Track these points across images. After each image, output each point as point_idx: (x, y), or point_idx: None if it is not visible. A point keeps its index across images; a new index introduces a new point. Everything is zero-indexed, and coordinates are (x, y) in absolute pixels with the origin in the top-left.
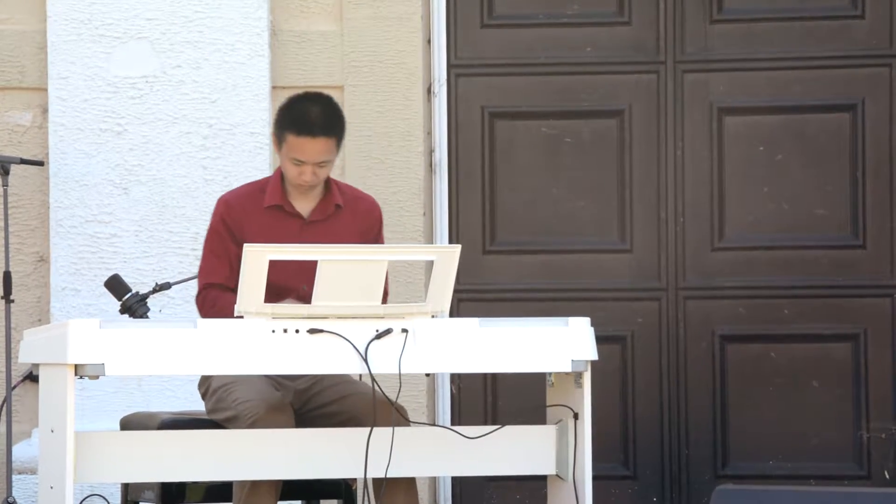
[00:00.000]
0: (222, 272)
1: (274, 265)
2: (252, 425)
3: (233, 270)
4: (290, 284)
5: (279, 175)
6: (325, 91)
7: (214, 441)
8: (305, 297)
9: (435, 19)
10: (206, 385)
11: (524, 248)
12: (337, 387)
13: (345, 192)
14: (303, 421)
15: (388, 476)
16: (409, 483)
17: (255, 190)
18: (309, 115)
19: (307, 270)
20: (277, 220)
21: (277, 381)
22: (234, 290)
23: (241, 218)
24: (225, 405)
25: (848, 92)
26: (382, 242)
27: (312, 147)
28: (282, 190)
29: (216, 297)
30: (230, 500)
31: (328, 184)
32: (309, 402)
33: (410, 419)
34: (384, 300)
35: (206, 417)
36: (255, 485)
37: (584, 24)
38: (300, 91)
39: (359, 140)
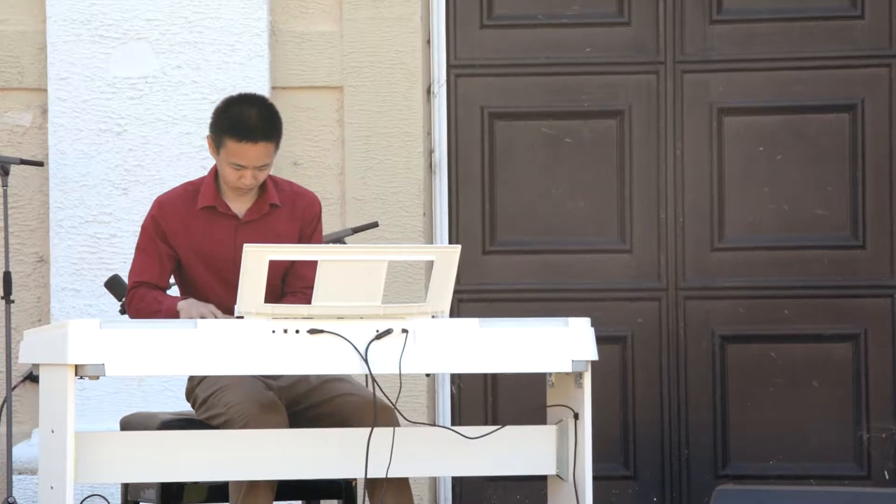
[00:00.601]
0: (152, 270)
1: (217, 266)
2: (245, 426)
3: (163, 270)
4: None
5: (213, 175)
6: (325, 92)
7: (214, 441)
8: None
9: (434, 20)
10: (194, 396)
11: (524, 248)
12: (325, 386)
13: (283, 190)
14: (292, 421)
15: (388, 476)
16: (402, 483)
17: (189, 190)
18: (248, 120)
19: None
20: (211, 221)
21: (265, 383)
22: (162, 289)
23: (173, 219)
24: (217, 411)
25: (848, 92)
26: (320, 238)
27: (253, 152)
28: (216, 190)
29: (143, 294)
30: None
31: (263, 183)
32: (298, 402)
33: (411, 419)
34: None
35: None
36: (252, 485)
37: (583, 24)
38: (234, 94)
39: (359, 140)
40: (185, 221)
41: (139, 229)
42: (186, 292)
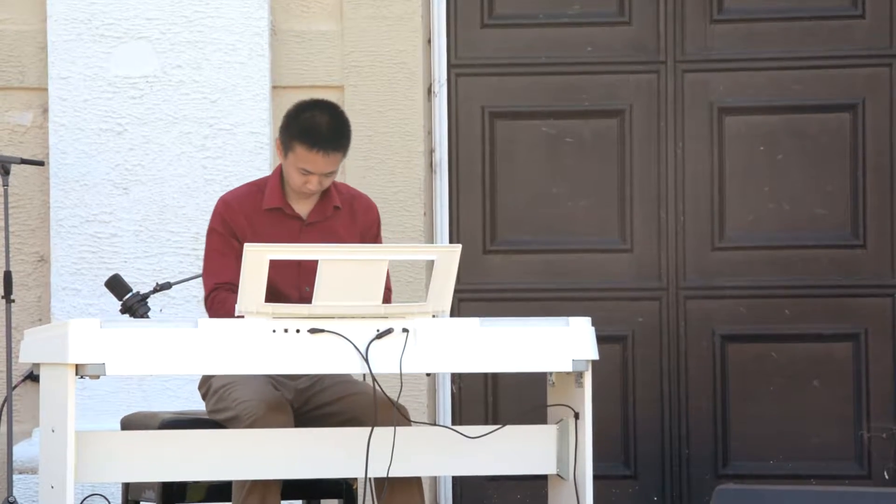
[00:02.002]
0: (229, 271)
1: (274, 267)
2: (251, 425)
3: (239, 267)
4: (291, 286)
5: (278, 176)
6: (326, 91)
7: (215, 441)
8: (307, 299)
9: (435, 19)
10: (207, 385)
11: (525, 247)
12: (336, 386)
13: (342, 193)
14: (303, 421)
15: (389, 476)
16: (416, 483)
17: (254, 191)
18: (319, 128)
19: (308, 272)
20: (277, 222)
21: (277, 381)
22: None
23: (240, 218)
24: (225, 405)
25: (848, 92)
26: (381, 241)
27: (322, 160)
28: (281, 192)
29: (225, 298)
30: (231, 500)
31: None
32: (309, 402)
33: (412, 419)
34: (388, 298)
35: (206, 417)
36: (255, 485)
37: (584, 23)
38: (308, 98)
39: (359, 140)
40: (252, 220)
41: (140, 229)
42: None
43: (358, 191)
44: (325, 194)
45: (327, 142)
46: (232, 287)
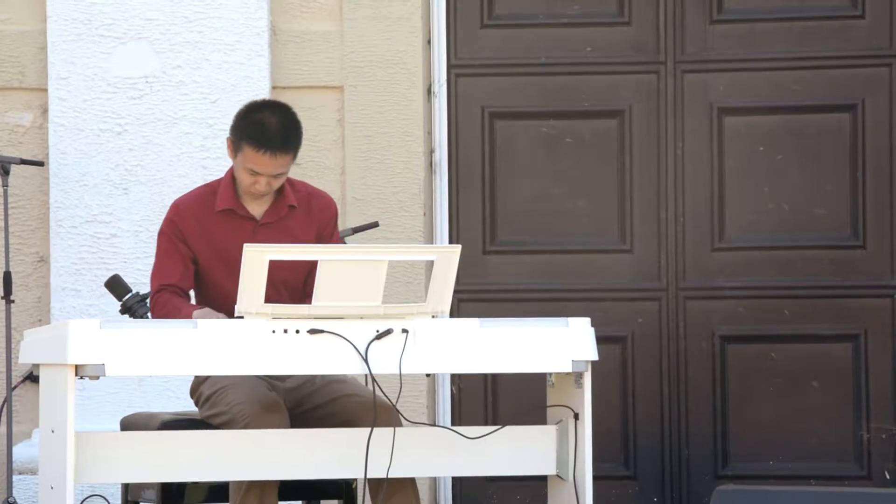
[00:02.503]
0: (175, 273)
1: (235, 268)
2: (246, 426)
3: (186, 271)
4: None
5: (230, 177)
6: (325, 91)
7: (215, 441)
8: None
9: (435, 19)
10: (199, 393)
11: (524, 248)
12: (329, 387)
13: (299, 191)
14: (297, 421)
15: (388, 476)
16: (410, 483)
17: (206, 193)
18: (268, 129)
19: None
20: (230, 223)
21: (269, 382)
22: (186, 293)
23: (190, 222)
24: (219, 409)
25: (848, 92)
26: (338, 239)
27: (270, 162)
28: (234, 193)
29: (168, 299)
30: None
31: (281, 185)
32: (301, 403)
33: (411, 419)
34: None
35: None
36: (252, 485)
37: (584, 24)
38: (257, 99)
39: (359, 140)
40: (203, 224)
41: (140, 229)
42: (203, 295)
43: (317, 189)
44: (280, 194)
45: (276, 143)
46: (177, 289)
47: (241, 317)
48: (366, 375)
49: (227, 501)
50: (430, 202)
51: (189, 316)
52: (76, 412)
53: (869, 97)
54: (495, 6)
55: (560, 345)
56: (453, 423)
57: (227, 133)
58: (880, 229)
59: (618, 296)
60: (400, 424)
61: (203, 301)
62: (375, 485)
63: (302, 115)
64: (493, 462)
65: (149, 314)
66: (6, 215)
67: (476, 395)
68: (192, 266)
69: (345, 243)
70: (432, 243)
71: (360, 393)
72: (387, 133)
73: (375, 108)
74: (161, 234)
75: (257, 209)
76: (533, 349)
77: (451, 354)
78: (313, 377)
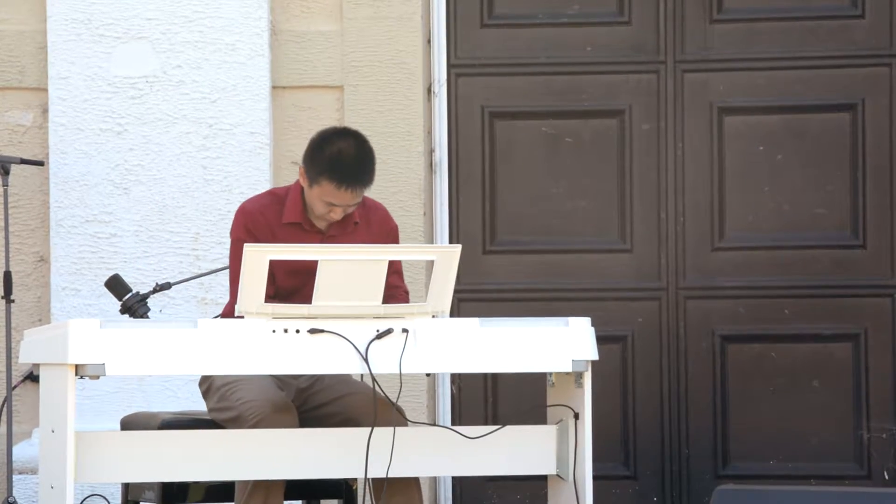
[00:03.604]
0: None
1: (303, 280)
2: (256, 425)
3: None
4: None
5: (299, 191)
6: (325, 91)
7: (215, 441)
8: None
9: (435, 19)
10: (208, 383)
11: (524, 247)
12: (334, 386)
13: (359, 206)
14: (301, 421)
15: (388, 476)
16: (414, 483)
17: (273, 202)
18: (347, 164)
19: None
20: (297, 235)
21: (280, 380)
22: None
23: (262, 227)
24: (228, 405)
25: (848, 92)
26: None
27: (350, 196)
28: (302, 208)
29: None
30: (231, 500)
31: None
32: (308, 402)
33: (411, 419)
34: (406, 299)
35: (206, 417)
36: (258, 485)
37: (583, 23)
38: (332, 128)
39: None
40: (273, 231)
41: (140, 229)
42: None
43: (374, 201)
44: None
45: (355, 179)
46: None
47: (242, 316)
48: (363, 375)
49: (227, 502)
50: (430, 202)
51: None
52: (76, 412)
53: (869, 97)
54: (495, 6)
55: (560, 344)
56: (453, 423)
57: (226, 132)
58: (880, 229)
59: (618, 295)
60: (404, 423)
61: None
62: (379, 484)
63: (302, 115)
64: (493, 462)
65: (149, 314)
66: (6, 215)
67: (476, 394)
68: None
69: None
70: (432, 243)
71: (363, 391)
72: (387, 133)
73: (376, 107)
74: (235, 241)
75: (323, 224)
76: (533, 349)
77: (451, 354)
78: (321, 377)
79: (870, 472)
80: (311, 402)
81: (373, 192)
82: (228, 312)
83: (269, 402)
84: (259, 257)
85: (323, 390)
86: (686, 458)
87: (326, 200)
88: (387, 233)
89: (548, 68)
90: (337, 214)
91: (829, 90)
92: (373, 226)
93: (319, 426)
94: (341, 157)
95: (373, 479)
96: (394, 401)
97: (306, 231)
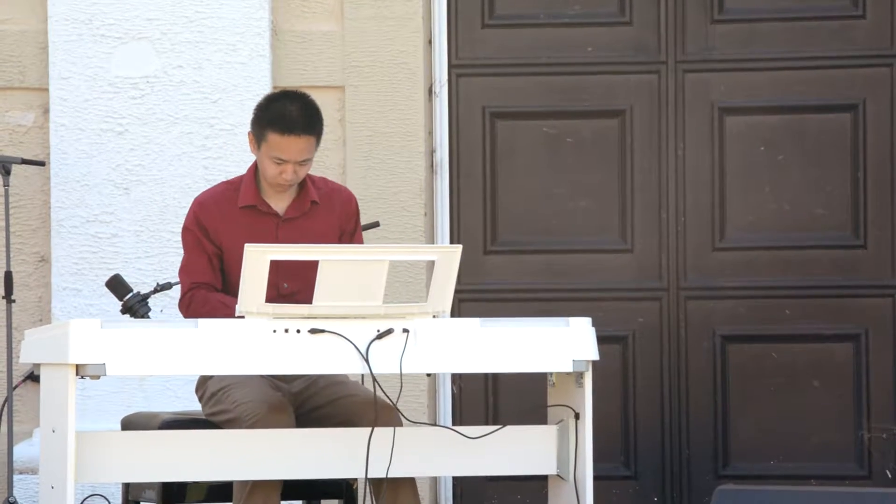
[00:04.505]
0: (206, 271)
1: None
2: (253, 426)
3: (215, 269)
4: (269, 284)
5: (252, 174)
6: (327, 91)
7: (215, 441)
8: (286, 296)
9: (436, 19)
10: (203, 389)
11: (525, 248)
12: (330, 388)
13: (319, 187)
14: (297, 423)
15: (388, 476)
16: (410, 483)
17: (228, 189)
18: (290, 114)
19: (287, 269)
20: (253, 220)
21: (274, 384)
22: (219, 290)
23: (214, 218)
24: (223, 407)
25: (848, 92)
26: (361, 235)
27: (295, 145)
28: (256, 189)
29: (206, 296)
30: (231, 500)
31: (303, 180)
32: (304, 404)
33: (412, 419)
34: None
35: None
36: (256, 485)
37: (584, 24)
38: (275, 91)
39: (359, 140)
40: (226, 220)
41: (141, 229)
42: (225, 291)
43: (337, 184)
44: (302, 189)
45: (299, 125)
46: (210, 287)
47: (242, 316)
48: (364, 375)
49: (227, 501)
50: (430, 202)
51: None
52: (77, 412)
53: (870, 97)
54: (496, 6)
55: (561, 344)
56: (454, 423)
57: (227, 132)
58: (881, 229)
59: (618, 295)
60: (400, 424)
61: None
62: (378, 484)
63: None
64: (493, 462)
65: (149, 314)
66: (7, 215)
67: (477, 394)
68: (218, 262)
69: (363, 241)
70: (433, 243)
71: (360, 393)
72: (388, 133)
73: (376, 108)
74: (185, 230)
75: (280, 205)
76: (534, 349)
77: (451, 354)
78: (316, 380)
79: (870, 473)
80: (306, 406)
81: (374, 192)
82: (189, 302)
83: (264, 403)
84: (259, 257)
85: (318, 393)
86: (686, 458)
87: (274, 155)
88: (350, 213)
89: (549, 69)
90: (288, 174)
91: (829, 90)
92: (335, 206)
93: (317, 428)
94: (285, 109)
95: (372, 480)
96: (394, 401)
97: (262, 213)
